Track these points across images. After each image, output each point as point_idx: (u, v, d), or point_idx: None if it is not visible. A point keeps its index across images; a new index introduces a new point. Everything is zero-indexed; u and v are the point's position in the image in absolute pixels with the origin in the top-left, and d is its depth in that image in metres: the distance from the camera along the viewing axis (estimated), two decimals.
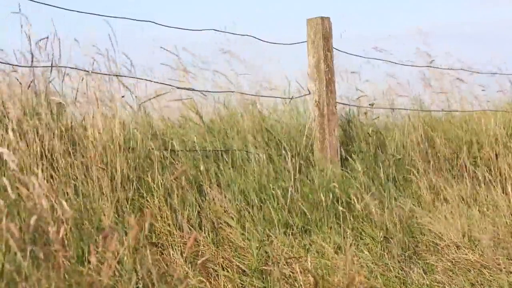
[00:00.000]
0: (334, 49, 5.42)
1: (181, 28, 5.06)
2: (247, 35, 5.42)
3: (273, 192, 4.53)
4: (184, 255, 3.84)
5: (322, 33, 5.33)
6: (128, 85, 4.64)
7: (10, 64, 4.19)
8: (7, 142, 3.77)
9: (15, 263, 2.54)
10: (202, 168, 4.48)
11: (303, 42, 5.43)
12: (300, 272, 4.03)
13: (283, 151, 4.86)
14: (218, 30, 5.28)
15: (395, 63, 6.28)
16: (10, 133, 3.76)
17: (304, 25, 5.43)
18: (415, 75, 6.57)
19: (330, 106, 5.34)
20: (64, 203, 2.75)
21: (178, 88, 5.11)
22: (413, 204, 5.09)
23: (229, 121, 5.19)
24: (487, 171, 5.76)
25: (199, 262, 3.61)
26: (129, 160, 4.16)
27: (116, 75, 4.58)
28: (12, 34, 4.35)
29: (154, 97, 4.85)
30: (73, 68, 4.44)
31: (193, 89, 5.24)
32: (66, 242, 3.25)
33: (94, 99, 4.32)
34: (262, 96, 5.51)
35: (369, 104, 6.03)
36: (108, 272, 2.61)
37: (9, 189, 2.81)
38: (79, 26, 4.61)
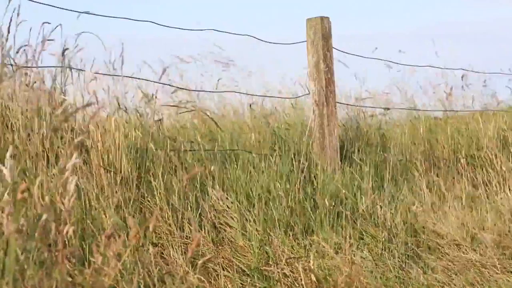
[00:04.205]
0: (334, 49, 5.43)
1: (181, 28, 5.07)
2: (247, 35, 5.43)
3: (277, 192, 4.53)
4: (188, 256, 3.83)
5: (322, 33, 5.34)
6: (132, 86, 4.66)
7: (14, 65, 4.19)
8: (10, 142, 3.78)
9: (17, 263, 2.54)
10: (211, 168, 4.48)
11: (303, 42, 5.43)
12: (302, 271, 4.03)
13: (291, 152, 4.87)
14: (218, 30, 5.29)
15: (396, 63, 6.29)
16: (16, 133, 3.76)
17: (304, 25, 5.43)
18: (416, 74, 6.59)
19: (329, 106, 5.34)
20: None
21: (178, 88, 5.12)
22: (415, 204, 5.10)
23: (235, 121, 5.20)
24: (486, 171, 5.77)
25: (199, 262, 3.61)
26: (132, 160, 4.16)
27: (116, 75, 4.58)
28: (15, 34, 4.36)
29: (167, 105, 4.86)
30: (77, 69, 4.44)
31: (192, 90, 5.24)
32: (68, 242, 3.25)
33: (98, 100, 4.32)
34: (262, 96, 5.52)
35: (384, 109, 6.04)
36: (110, 273, 2.61)
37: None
38: (79, 26, 4.62)
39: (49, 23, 4.26)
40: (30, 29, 4.28)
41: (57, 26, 4.24)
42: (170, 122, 5.02)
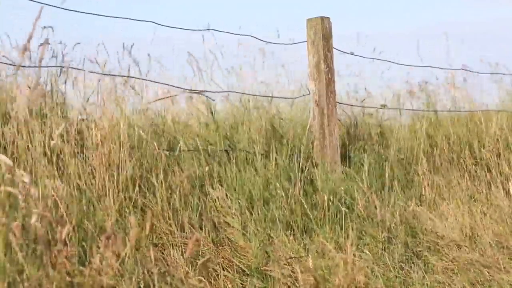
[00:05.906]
0: (334, 49, 5.42)
1: (182, 28, 5.07)
2: (247, 35, 5.43)
3: (277, 191, 4.53)
4: (186, 256, 3.84)
5: (322, 33, 5.34)
6: (134, 85, 4.65)
7: (15, 65, 4.19)
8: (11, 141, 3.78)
9: (16, 263, 2.54)
10: (207, 168, 4.48)
11: (303, 42, 5.43)
12: (301, 272, 4.02)
13: (290, 151, 4.87)
14: (218, 30, 5.29)
15: (396, 63, 6.28)
16: (16, 133, 3.76)
17: (305, 25, 5.43)
18: (416, 75, 6.59)
19: (330, 106, 5.34)
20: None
21: (178, 88, 5.12)
22: (416, 204, 5.10)
23: (237, 119, 5.20)
24: (488, 170, 5.77)
25: (199, 262, 3.61)
26: (133, 160, 4.16)
27: (121, 76, 4.59)
28: (15, 34, 4.37)
29: (160, 99, 4.86)
30: (77, 69, 4.44)
31: (193, 90, 5.24)
32: (68, 242, 3.25)
33: (100, 99, 4.33)
34: (262, 96, 5.51)
35: (381, 105, 6.04)
36: (109, 273, 2.61)
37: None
38: (80, 27, 4.62)
39: (51, 27, 4.27)
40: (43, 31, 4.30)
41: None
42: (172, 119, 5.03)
